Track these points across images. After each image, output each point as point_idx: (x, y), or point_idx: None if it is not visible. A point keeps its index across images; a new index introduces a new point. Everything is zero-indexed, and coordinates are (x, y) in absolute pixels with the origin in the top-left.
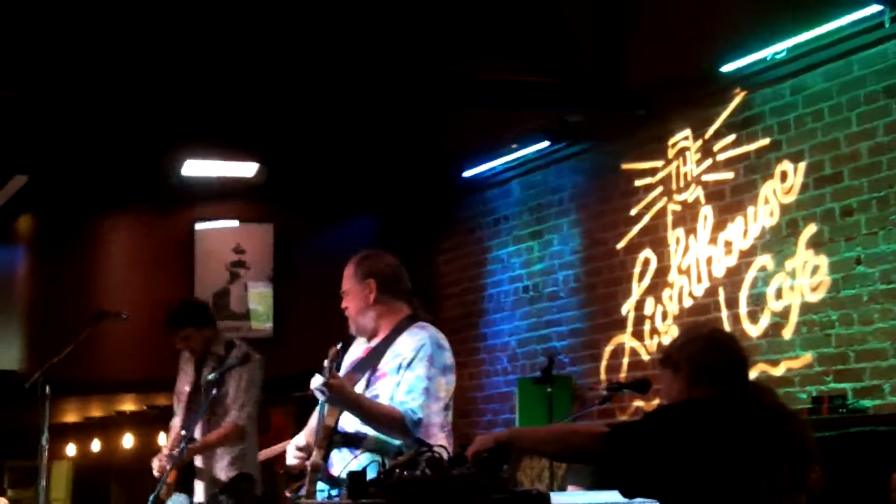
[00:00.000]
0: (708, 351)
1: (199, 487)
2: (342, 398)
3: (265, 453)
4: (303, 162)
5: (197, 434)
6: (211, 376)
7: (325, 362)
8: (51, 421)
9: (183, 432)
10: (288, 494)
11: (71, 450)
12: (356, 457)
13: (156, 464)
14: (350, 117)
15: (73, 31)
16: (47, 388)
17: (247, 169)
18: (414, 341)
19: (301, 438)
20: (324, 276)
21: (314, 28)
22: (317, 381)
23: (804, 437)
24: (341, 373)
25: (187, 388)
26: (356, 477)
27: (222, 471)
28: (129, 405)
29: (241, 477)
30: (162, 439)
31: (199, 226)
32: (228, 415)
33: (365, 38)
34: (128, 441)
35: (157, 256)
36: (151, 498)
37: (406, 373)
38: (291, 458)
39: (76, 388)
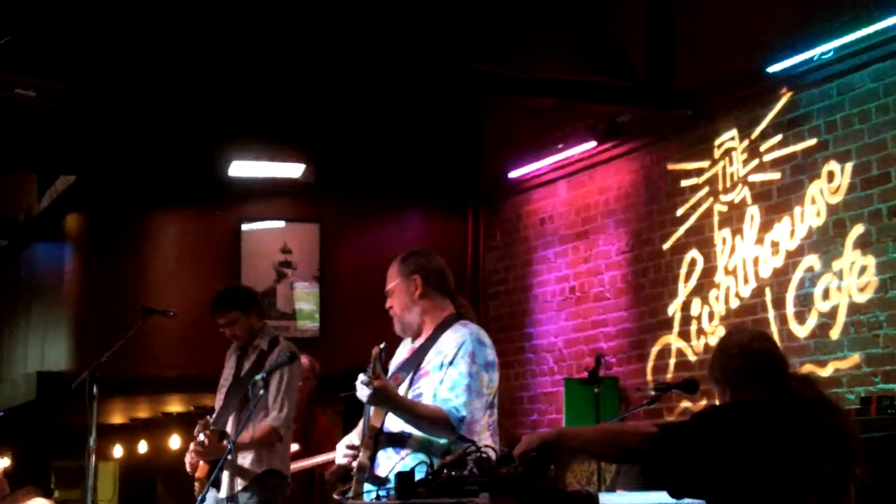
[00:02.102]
0: (744, 360)
1: (225, 479)
2: (385, 399)
3: (308, 463)
4: (349, 162)
5: (229, 428)
6: (259, 376)
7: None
8: (98, 422)
9: (223, 428)
10: (336, 496)
11: (118, 451)
12: (403, 458)
13: (188, 458)
14: (397, 117)
15: (123, 30)
16: (95, 389)
17: (294, 169)
18: (456, 338)
19: (353, 437)
20: (370, 275)
21: (363, 29)
22: (359, 382)
23: (846, 430)
24: (388, 374)
25: (227, 382)
26: (404, 477)
27: (250, 465)
28: (175, 406)
29: (270, 473)
30: None
31: (245, 225)
32: (268, 416)
33: (416, 37)
34: (174, 442)
35: (203, 256)
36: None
37: (449, 370)
38: (341, 458)
39: (123, 388)
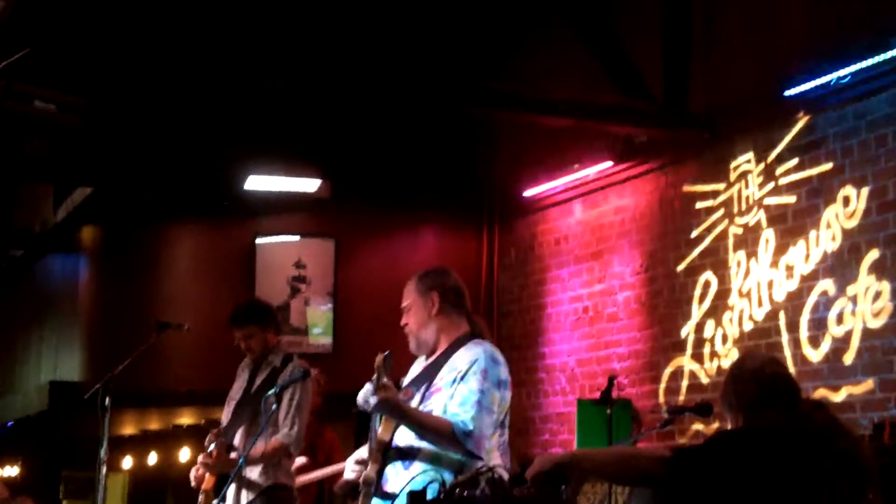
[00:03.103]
0: (756, 385)
1: (231, 492)
2: (389, 408)
3: (316, 475)
4: (365, 178)
5: (237, 441)
6: (271, 391)
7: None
8: (109, 433)
9: (232, 440)
10: None
11: (127, 462)
12: (412, 473)
13: (194, 471)
14: (414, 134)
15: (141, 45)
16: (107, 400)
17: (309, 184)
18: (469, 355)
19: (362, 452)
20: (384, 292)
21: (379, 47)
22: (364, 390)
23: (859, 454)
24: (400, 388)
25: (238, 395)
26: (416, 496)
27: (257, 478)
28: (186, 418)
29: (277, 486)
30: None
31: (260, 240)
32: (278, 432)
33: (435, 55)
34: (184, 454)
35: (218, 270)
36: None
37: (460, 385)
38: (350, 472)
39: (135, 400)
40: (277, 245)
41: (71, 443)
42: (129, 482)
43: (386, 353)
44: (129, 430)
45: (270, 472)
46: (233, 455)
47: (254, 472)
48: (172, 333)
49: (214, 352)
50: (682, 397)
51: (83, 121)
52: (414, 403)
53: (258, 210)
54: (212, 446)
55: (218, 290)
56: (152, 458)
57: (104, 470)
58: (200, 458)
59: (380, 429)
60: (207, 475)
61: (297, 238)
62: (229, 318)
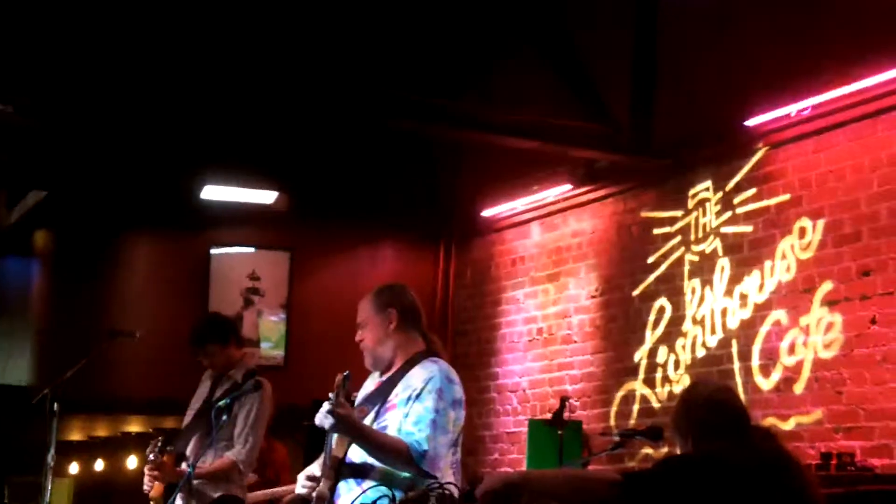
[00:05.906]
0: (708, 412)
1: (179, 502)
2: (346, 428)
3: (266, 493)
4: (323, 192)
5: (189, 450)
6: (221, 402)
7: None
8: (56, 438)
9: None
10: None
11: (74, 468)
12: (364, 490)
13: (145, 481)
14: (375, 150)
15: (99, 50)
16: (55, 405)
17: (266, 196)
18: (425, 373)
19: (314, 468)
20: (338, 306)
21: (340, 61)
22: (322, 409)
23: (806, 484)
24: (354, 405)
25: (197, 404)
26: None
27: (206, 487)
28: (134, 426)
29: (226, 498)
30: None
31: (215, 250)
32: (231, 449)
33: (398, 74)
34: (132, 462)
35: (172, 279)
36: None
37: (415, 404)
38: (301, 488)
39: (84, 406)
40: (232, 256)
41: (17, 447)
42: (75, 488)
43: (346, 373)
44: (76, 435)
45: (221, 484)
46: (183, 465)
47: (203, 482)
48: (124, 341)
49: (165, 360)
50: (633, 421)
51: (38, 124)
52: (368, 420)
53: (214, 220)
54: (152, 455)
55: (171, 300)
56: (99, 465)
57: (50, 475)
58: (146, 467)
59: (334, 445)
60: (156, 483)
61: (252, 250)
62: (188, 342)
